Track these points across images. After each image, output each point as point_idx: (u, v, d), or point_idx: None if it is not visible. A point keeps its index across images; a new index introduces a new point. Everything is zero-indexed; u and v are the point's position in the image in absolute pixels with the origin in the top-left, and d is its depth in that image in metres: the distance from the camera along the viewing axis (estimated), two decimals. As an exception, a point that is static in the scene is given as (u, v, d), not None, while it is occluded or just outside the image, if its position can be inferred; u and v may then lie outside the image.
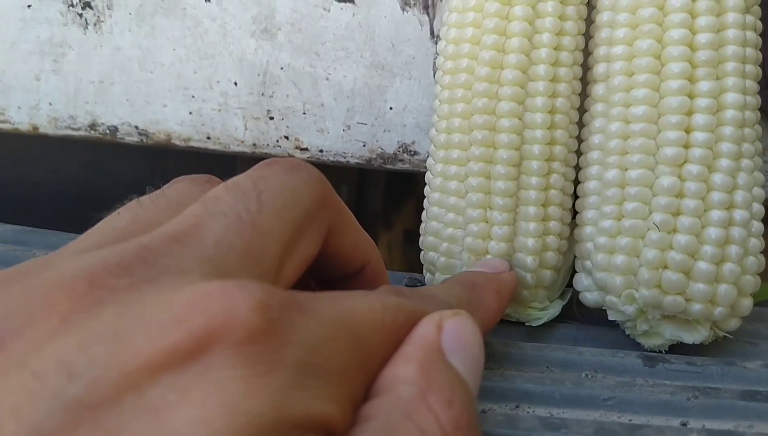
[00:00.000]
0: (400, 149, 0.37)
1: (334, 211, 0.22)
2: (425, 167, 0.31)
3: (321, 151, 0.38)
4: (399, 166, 0.38)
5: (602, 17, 0.29)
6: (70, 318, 0.15)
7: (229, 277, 0.17)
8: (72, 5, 0.38)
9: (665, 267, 0.26)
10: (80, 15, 0.38)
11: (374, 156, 0.38)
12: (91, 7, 0.38)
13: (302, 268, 0.21)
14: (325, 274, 0.23)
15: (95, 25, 0.38)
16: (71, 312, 0.15)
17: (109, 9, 0.38)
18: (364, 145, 0.38)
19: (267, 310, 0.15)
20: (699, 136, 0.26)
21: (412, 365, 0.17)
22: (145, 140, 0.39)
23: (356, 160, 0.38)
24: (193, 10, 0.37)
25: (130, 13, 0.38)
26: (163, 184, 0.21)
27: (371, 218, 0.74)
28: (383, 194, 0.64)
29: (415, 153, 0.37)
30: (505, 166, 0.28)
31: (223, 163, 0.42)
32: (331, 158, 0.38)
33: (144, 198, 0.21)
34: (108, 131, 0.39)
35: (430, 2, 0.35)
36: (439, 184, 0.29)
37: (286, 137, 0.38)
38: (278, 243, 0.19)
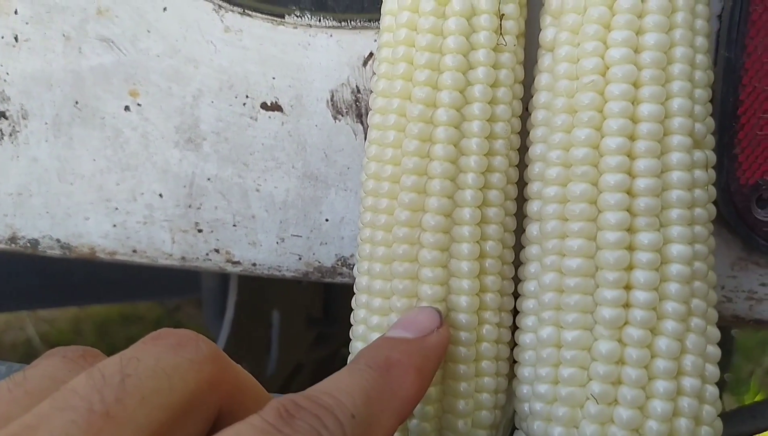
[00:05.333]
0: (339, 263, 0.35)
1: (228, 390, 0.19)
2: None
3: (254, 264, 0.35)
4: (338, 279, 0.35)
5: (535, 150, 0.26)
6: None
7: None
8: (-14, 114, 0.35)
9: (606, 444, 0.23)
10: (-5, 124, 0.36)
11: (311, 269, 0.35)
12: (5, 117, 0.35)
13: None
14: None
15: (11, 135, 0.35)
16: None
17: (24, 119, 0.35)
18: (300, 259, 0.35)
19: None
20: (640, 295, 0.23)
21: None
22: (67, 254, 0.36)
23: (292, 274, 0.35)
24: (113, 120, 0.34)
25: (46, 123, 0.35)
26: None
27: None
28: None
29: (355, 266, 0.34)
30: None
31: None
32: (266, 272, 0.35)
33: (2, 385, 0.19)
34: (29, 244, 0.37)
35: (363, 111, 0.33)
36: (362, 317, 0.27)
37: (217, 251, 0.35)
38: (140, 433, 0.17)
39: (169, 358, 0.18)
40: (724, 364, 0.78)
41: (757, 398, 1.17)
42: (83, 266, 0.73)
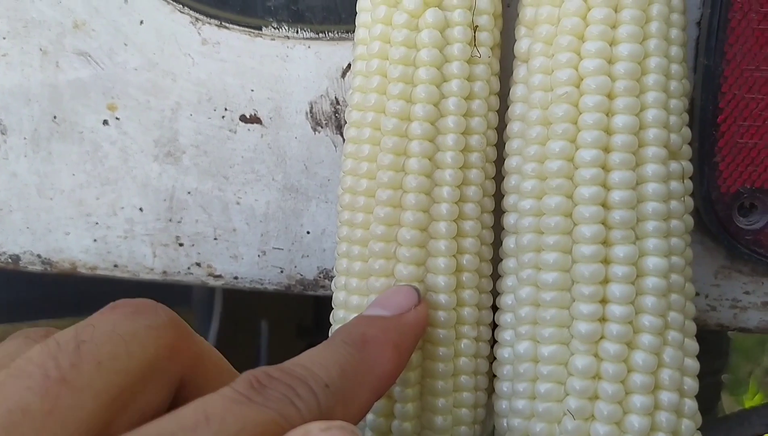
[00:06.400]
0: (321, 275, 0.34)
1: (189, 357, 0.19)
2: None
3: (236, 278, 0.35)
4: (321, 292, 0.35)
5: (511, 162, 0.26)
6: None
7: None
8: (-35, 129, 0.35)
9: (584, 460, 0.23)
10: (-26, 140, 0.35)
11: (293, 282, 0.35)
12: (-16, 132, 0.35)
13: (142, 423, 0.18)
14: None
15: (-11, 150, 0.35)
16: None
17: (2, 134, 0.35)
18: (282, 272, 0.35)
19: None
20: (616, 309, 0.23)
21: None
22: (49, 269, 0.36)
23: (274, 287, 0.35)
24: (91, 134, 0.34)
25: (24, 138, 0.35)
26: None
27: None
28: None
29: (337, 279, 0.34)
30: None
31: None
32: (248, 285, 0.35)
33: None
34: (10, 260, 0.36)
35: (342, 122, 0.32)
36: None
37: (198, 264, 0.35)
38: (98, 398, 0.17)
39: (126, 324, 0.18)
40: (721, 365, 0.76)
41: (756, 398, 1.17)
42: (75, 278, 0.72)
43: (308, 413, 0.17)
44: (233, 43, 0.32)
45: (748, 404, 1.17)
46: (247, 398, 0.17)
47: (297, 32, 0.32)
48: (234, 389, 0.17)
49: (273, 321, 0.53)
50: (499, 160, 0.27)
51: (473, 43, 0.25)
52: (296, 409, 0.17)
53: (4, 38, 0.34)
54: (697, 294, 0.31)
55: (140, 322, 0.18)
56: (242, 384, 0.17)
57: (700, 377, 0.25)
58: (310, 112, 0.33)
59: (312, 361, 0.19)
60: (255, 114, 0.33)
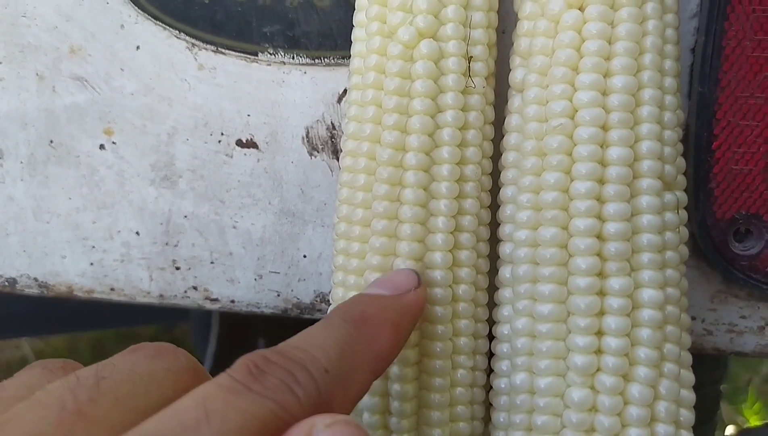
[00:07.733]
0: (318, 299, 0.34)
1: None
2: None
3: (232, 301, 0.35)
4: (318, 315, 0.35)
5: (506, 192, 0.26)
6: None
7: None
8: (-39, 153, 0.35)
9: (580, 493, 0.23)
10: (-30, 164, 0.35)
11: (290, 306, 0.35)
12: (-20, 156, 0.35)
13: None
14: None
15: (-14, 174, 0.35)
16: None
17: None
18: (279, 295, 0.35)
19: None
20: (611, 341, 0.23)
21: None
22: (45, 292, 0.36)
23: (271, 311, 0.35)
24: (88, 158, 0.34)
25: (21, 162, 0.35)
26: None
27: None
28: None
29: (334, 302, 0.34)
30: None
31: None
32: (244, 309, 0.35)
33: None
34: (7, 283, 0.36)
35: (339, 147, 0.32)
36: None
37: (195, 288, 0.35)
38: (112, 432, 0.17)
39: (145, 365, 0.18)
40: (720, 374, 0.77)
41: (755, 407, 1.17)
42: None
43: (307, 401, 0.17)
44: (229, 68, 0.32)
45: (747, 412, 1.17)
46: (245, 387, 0.17)
47: (293, 58, 0.32)
48: (232, 377, 0.17)
49: (270, 340, 0.52)
50: (494, 187, 0.27)
51: (468, 73, 0.25)
52: (296, 397, 0.17)
53: (0, 63, 0.34)
54: (694, 318, 0.31)
55: (159, 364, 0.18)
56: (240, 371, 0.17)
57: (699, 387, 0.25)
58: (307, 136, 0.33)
59: (310, 342, 0.19)
60: (251, 139, 0.33)
